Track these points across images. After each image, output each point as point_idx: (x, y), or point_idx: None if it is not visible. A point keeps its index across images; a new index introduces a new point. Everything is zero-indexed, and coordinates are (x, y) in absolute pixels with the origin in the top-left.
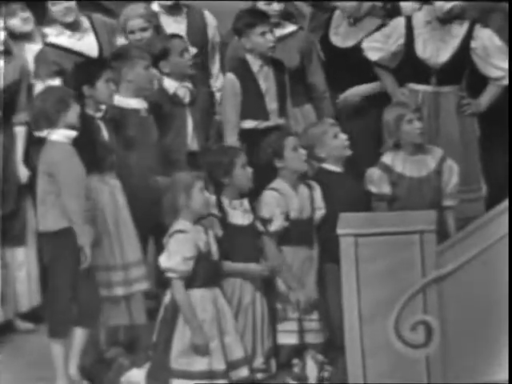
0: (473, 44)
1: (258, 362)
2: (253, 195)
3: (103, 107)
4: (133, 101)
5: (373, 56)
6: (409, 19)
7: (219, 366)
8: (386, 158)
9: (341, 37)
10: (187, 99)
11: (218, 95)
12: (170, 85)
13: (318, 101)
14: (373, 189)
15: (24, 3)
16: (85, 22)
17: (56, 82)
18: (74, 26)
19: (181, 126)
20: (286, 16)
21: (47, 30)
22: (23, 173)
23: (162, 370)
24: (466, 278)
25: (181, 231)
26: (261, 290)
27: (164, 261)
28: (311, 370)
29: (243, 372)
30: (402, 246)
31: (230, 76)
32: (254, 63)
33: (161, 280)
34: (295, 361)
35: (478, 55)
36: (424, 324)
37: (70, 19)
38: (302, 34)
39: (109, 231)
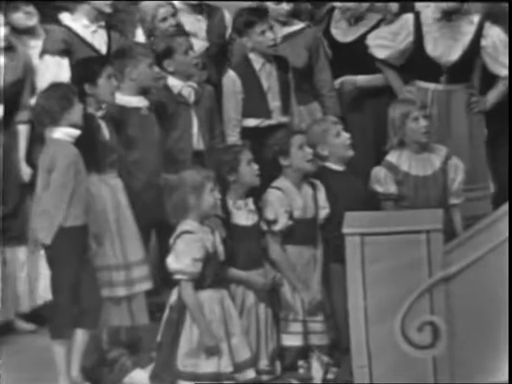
0: (483, 42)
1: (263, 363)
2: (256, 193)
3: (104, 106)
4: (134, 99)
5: (380, 54)
6: (417, 16)
7: (226, 368)
8: (391, 157)
9: (342, 31)
10: (192, 99)
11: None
12: (175, 84)
13: (325, 99)
14: (379, 188)
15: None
16: (101, 21)
17: (65, 61)
18: (91, 18)
19: (186, 125)
20: (294, 13)
21: (64, 15)
22: (25, 171)
23: (166, 371)
24: (473, 277)
25: (188, 232)
26: (264, 299)
27: (172, 262)
28: (316, 372)
29: (249, 374)
30: (408, 245)
31: (231, 74)
32: (256, 61)
33: (163, 278)
34: (300, 362)
35: (488, 53)
36: (431, 324)
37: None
38: (309, 32)
39: (111, 231)
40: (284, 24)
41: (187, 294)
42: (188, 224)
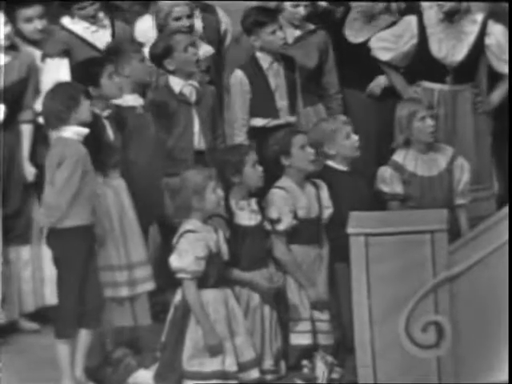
0: (487, 41)
1: (267, 363)
2: (259, 193)
3: (109, 105)
4: (129, 97)
5: (383, 56)
6: (420, 18)
7: (231, 367)
8: (397, 157)
9: (354, 31)
10: (193, 98)
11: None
12: (176, 83)
13: (330, 100)
14: (385, 188)
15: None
16: (104, 20)
17: (65, 61)
18: (92, 20)
19: (187, 124)
20: (309, 15)
21: (65, 20)
22: (29, 171)
23: (171, 371)
24: (477, 277)
25: (192, 231)
26: (269, 302)
27: (175, 261)
28: (321, 372)
29: (254, 374)
30: (413, 245)
31: (239, 73)
32: (264, 60)
33: (166, 277)
34: (305, 362)
35: (492, 52)
36: (435, 324)
37: (91, 12)
38: (320, 33)
39: (114, 231)
40: (297, 27)
41: (190, 293)
42: (191, 223)
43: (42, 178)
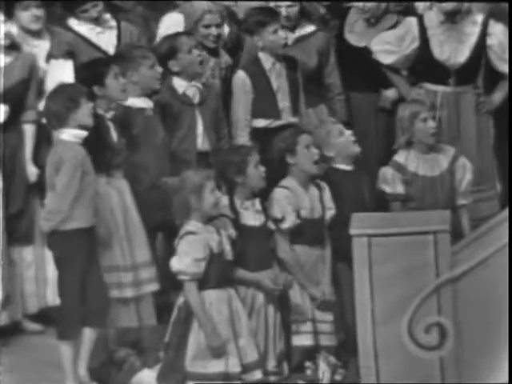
0: (489, 41)
1: (271, 364)
2: (263, 193)
3: (113, 106)
4: (138, 100)
5: (385, 59)
6: (420, 20)
7: (235, 368)
8: (399, 157)
9: (356, 35)
10: (197, 99)
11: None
12: (180, 84)
13: (333, 102)
14: (386, 188)
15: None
16: (110, 22)
17: (69, 62)
18: (97, 21)
19: (190, 125)
20: (305, 16)
21: (70, 21)
22: (32, 171)
23: (174, 371)
24: (480, 278)
25: (191, 232)
26: (274, 302)
27: (175, 263)
28: (324, 373)
29: (257, 375)
30: (415, 246)
31: (241, 74)
32: (267, 61)
33: (169, 278)
34: (308, 363)
35: (494, 52)
36: (438, 325)
37: (94, 14)
38: (320, 35)
39: (118, 232)
40: (293, 28)
41: (191, 295)
42: (191, 225)
43: (44, 178)
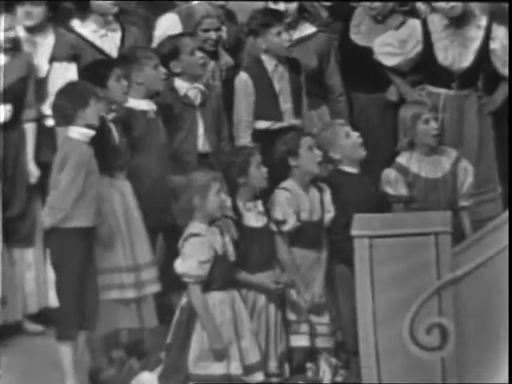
0: (492, 45)
1: (272, 366)
2: (265, 193)
3: (114, 108)
4: (141, 102)
5: (388, 61)
6: (424, 23)
7: (236, 370)
8: (402, 159)
9: (362, 35)
10: (198, 100)
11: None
12: (181, 86)
13: (334, 103)
14: (389, 190)
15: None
16: (113, 24)
17: (72, 65)
18: (101, 23)
19: (191, 127)
20: (306, 17)
21: (74, 23)
22: (33, 171)
23: (176, 373)
24: (481, 279)
25: (195, 235)
26: (275, 301)
27: (179, 265)
28: (325, 374)
29: (258, 377)
30: (417, 247)
31: (243, 75)
32: (269, 63)
33: (169, 280)
34: (309, 365)
35: (497, 55)
36: (439, 327)
37: (109, 17)
38: (321, 36)
39: (121, 233)
40: (293, 26)
41: (195, 297)
42: (195, 226)
43: (45, 180)
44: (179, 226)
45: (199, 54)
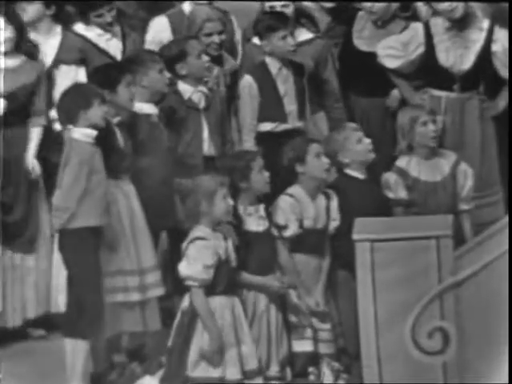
0: (494, 47)
1: (273, 370)
2: (270, 199)
3: (121, 112)
4: (145, 106)
5: (390, 64)
6: (427, 26)
7: (234, 375)
8: (401, 162)
9: (365, 40)
10: (202, 104)
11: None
12: (185, 89)
13: (331, 109)
14: (389, 194)
15: None
16: (116, 28)
17: (81, 69)
18: (108, 27)
19: (196, 130)
20: (303, 23)
21: (77, 27)
22: (35, 167)
23: (176, 376)
24: (483, 283)
25: (201, 238)
26: (275, 301)
27: (184, 268)
28: (327, 378)
29: (258, 380)
30: (418, 251)
31: (248, 78)
32: (273, 65)
33: (173, 282)
34: (311, 369)
35: (498, 58)
36: (441, 330)
37: (109, 19)
38: (318, 42)
39: (125, 236)
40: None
41: (198, 301)
42: (201, 230)
43: (49, 182)
44: (182, 230)
45: (205, 57)
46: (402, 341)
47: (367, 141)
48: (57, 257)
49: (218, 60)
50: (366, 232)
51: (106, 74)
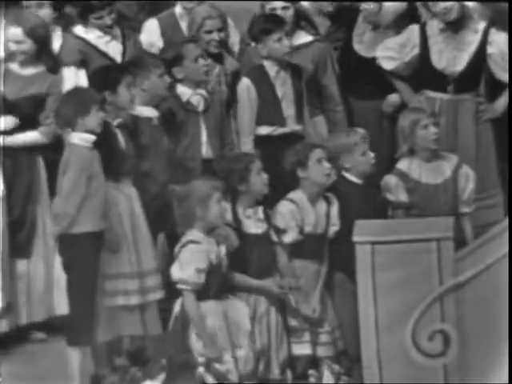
0: (489, 49)
1: (274, 372)
2: (270, 203)
3: (121, 114)
4: (145, 109)
5: (387, 65)
6: (423, 27)
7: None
8: (402, 165)
9: (365, 45)
10: (201, 107)
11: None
12: (184, 92)
13: (331, 113)
14: (390, 197)
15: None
16: (115, 30)
17: (82, 70)
18: (108, 30)
19: (195, 133)
20: (303, 26)
21: (77, 29)
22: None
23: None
24: (483, 285)
25: (194, 242)
26: (276, 304)
27: (176, 272)
28: (328, 381)
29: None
30: (419, 253)
31: (246, 81)
32: (271, 68)
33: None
34: (311, 371)
35: (494, 61)
36: (442, 333)
37: (108, 22)
38: (317, 46)
39: (126, 238)
40: (290, 34)
41: (190, 304)
42: (194, 234)
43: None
44: (179, 233)
45: (202, 61)
46: (403, 343)
47: (371, 155)
48: (58, 260)
49: (218, 59)
50: (367, 234)
51: (106, 75)
